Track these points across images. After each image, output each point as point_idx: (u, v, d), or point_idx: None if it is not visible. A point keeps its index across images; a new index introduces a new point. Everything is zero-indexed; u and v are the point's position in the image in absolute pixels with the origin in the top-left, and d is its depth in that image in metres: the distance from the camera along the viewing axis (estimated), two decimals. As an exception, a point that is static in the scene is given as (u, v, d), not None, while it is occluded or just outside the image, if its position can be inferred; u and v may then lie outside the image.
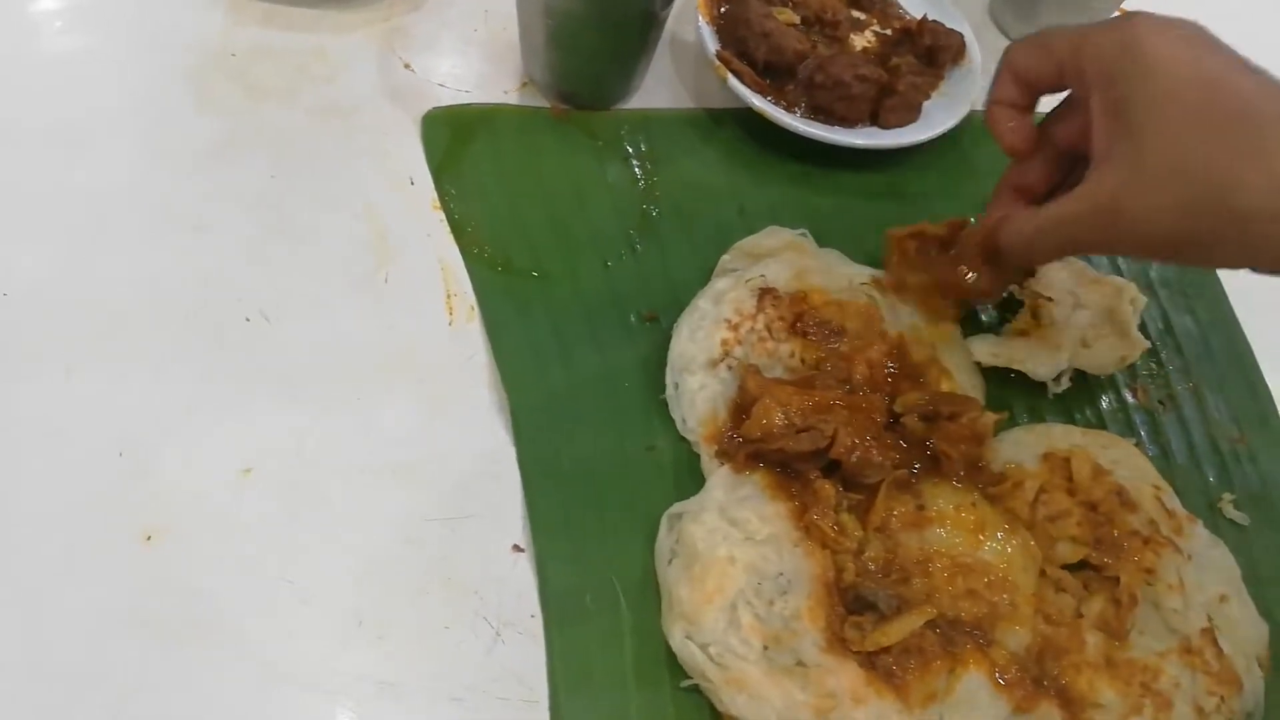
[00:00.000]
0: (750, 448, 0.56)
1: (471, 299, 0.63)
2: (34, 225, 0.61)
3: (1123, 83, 0.47)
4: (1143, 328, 0.66)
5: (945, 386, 0.62)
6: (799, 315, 0.61)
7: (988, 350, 0.63)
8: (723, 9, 0.76)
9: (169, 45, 0.70)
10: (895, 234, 0.67)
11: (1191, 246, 0.48)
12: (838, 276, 0.64)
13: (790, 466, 0.56)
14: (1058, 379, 0.64)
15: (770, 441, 0.55)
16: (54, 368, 0.57)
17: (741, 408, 0.58)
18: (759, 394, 0.56)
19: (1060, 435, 0.61)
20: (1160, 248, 0.49)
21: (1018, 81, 0.55)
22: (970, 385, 0.63)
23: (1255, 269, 0.47)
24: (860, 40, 0.79)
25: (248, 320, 0.60)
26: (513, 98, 0.73)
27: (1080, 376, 0.66)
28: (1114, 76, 0.48)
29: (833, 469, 0.56)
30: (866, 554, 0.55)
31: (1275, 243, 0.45)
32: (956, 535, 0.55)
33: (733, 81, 0.72)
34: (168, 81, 0.69)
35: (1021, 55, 0.55)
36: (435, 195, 0.67)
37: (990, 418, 0.57)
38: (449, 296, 0.63)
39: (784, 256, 0.65)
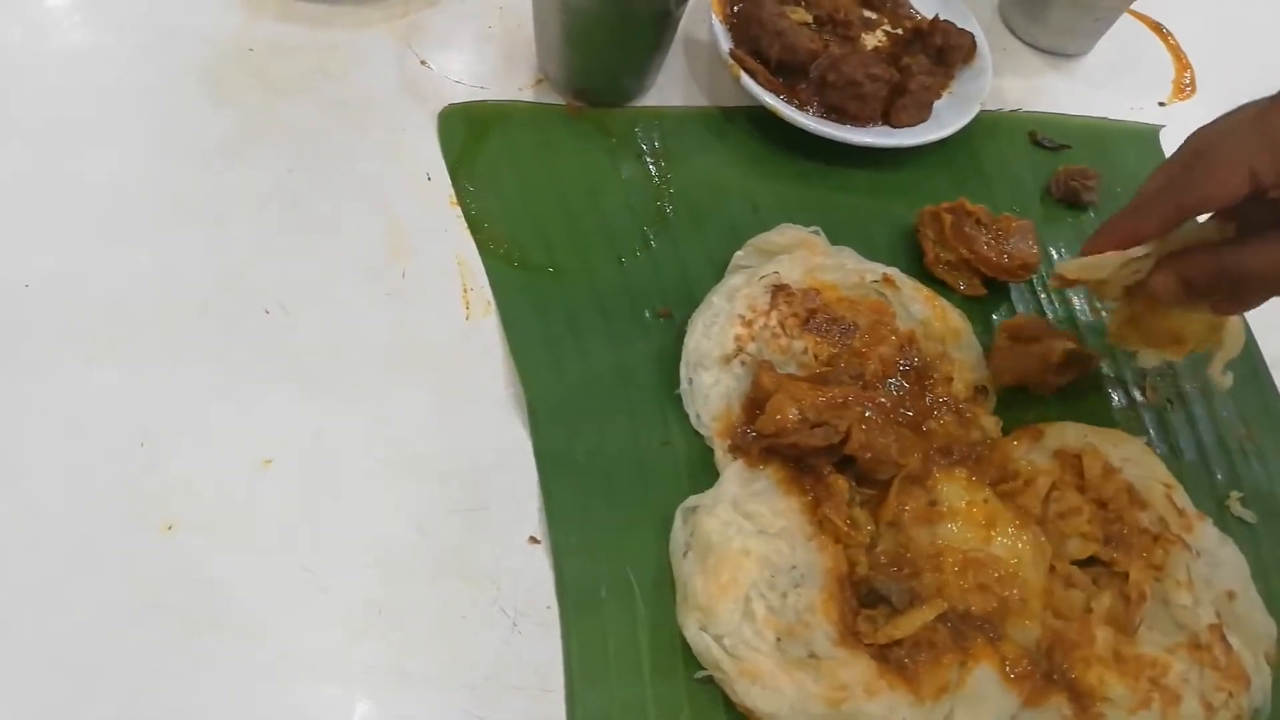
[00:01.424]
0: (764, 442, 0.56)
1: (488, 294, 0.64)
2: (54, 218, 0.62)
3: None
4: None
5: (956, 381, 0.62)
6: (812, 312, 0.62)
7: None
8: (735, 8, 0.76)
9: (186, 40, 0.71)
10: (930, 209, 0.69)
11: None
12: (850, 273, 0.65)
13: (804, 461, 0.57)
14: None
15: (784, 436, 0.56)
16: (74, 359, 0.57)
17: (756, 403, 0.58)
18: (773, 390, 0.57)
19: (1072, 433, 0.61)
20: None
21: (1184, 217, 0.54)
22: (979, 379, 0.64)
23: None
24: (872, 39, 0.80)
25: (267, 313, 0.60)
26: (527, 94, 0.74)
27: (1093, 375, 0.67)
28: None
29: (846, 464, 0.57)
30: (879, 548, 0.55)
31: None
32: (968, 530, 0.55)
33: (746, 80, 0.72)
34: (185, 76, 0.69)
35: (1202, 190, 0.52)
36: (452, 191, 0.68)
37: None
38: (465, 291, 0.64)
39: (797, 253, 0.65)
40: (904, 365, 0.62)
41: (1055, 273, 0.59)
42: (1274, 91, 0.50)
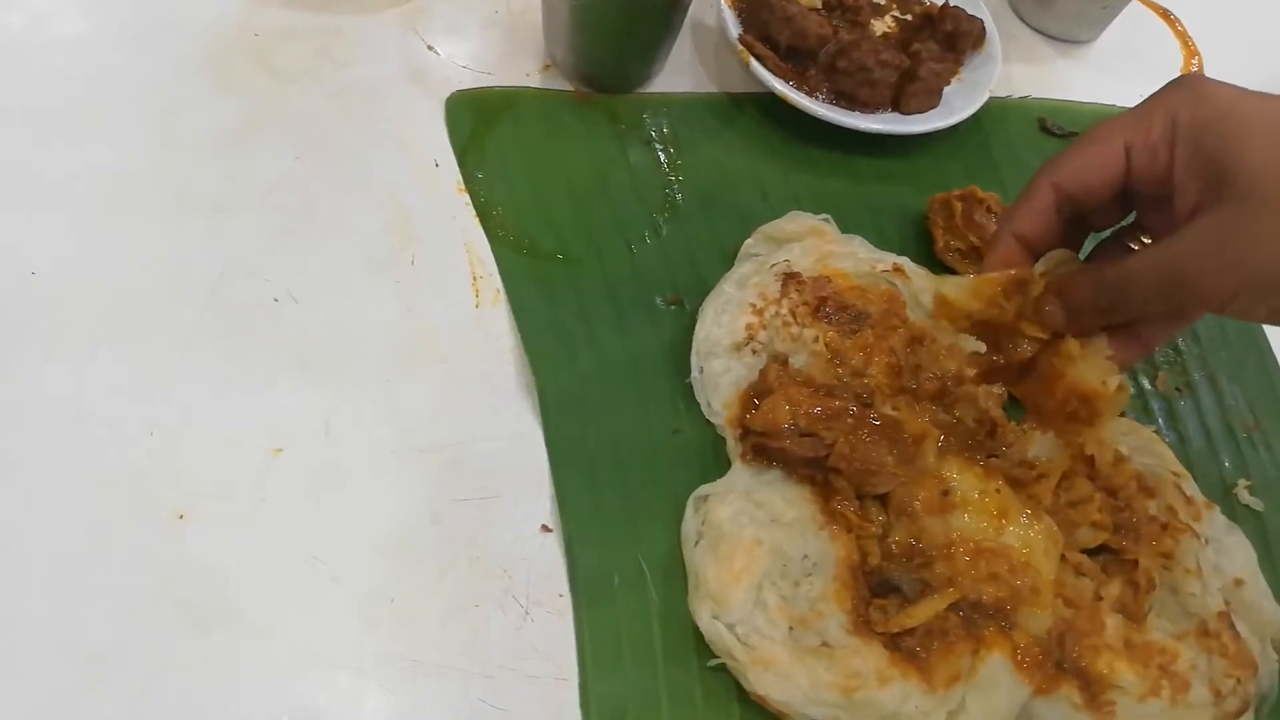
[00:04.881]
0: (754, 440, 0.56)
1: (497, 282, 0.64)
2: (60, 207, 0.61)
3: (1220, 144, 0.43)
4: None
5: (966, 371, 0.62)
6: (822, 300, 0.62)
7: None
8: (744, -7, 0.76)
9: (191, 26, 0.70)
10: (941, 197, 0.68)
11: None
12: (860, 262, 0.64)
13: (789, 467, 0.56)
14: None
15: (772, 439, 0.55)
16: (82, 348, 0.57)
17: (757, 394, 0.58)
18: (774, 388, 0.57)
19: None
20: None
21: (1061, 200, 0.49)
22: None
23: None
24: (881, 25, 0.80)
25: (275, 301, 0.60)
26: (535, 80, 0.73)
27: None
28: (1203, 141, 0.44)
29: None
30: (890, 538, 0.55)
31: None
32: (980, 520, 0.55)
33: (755, 66, 0.72)
34: (190, 62, 0.69)
35: (1074, 165, 0.48)
36: (460, 178, 0.67)
37: None
38: (475, 279, 0.64)
39: (807, 241, 0.65)
40: (914, 356, 0.62)
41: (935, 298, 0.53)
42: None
